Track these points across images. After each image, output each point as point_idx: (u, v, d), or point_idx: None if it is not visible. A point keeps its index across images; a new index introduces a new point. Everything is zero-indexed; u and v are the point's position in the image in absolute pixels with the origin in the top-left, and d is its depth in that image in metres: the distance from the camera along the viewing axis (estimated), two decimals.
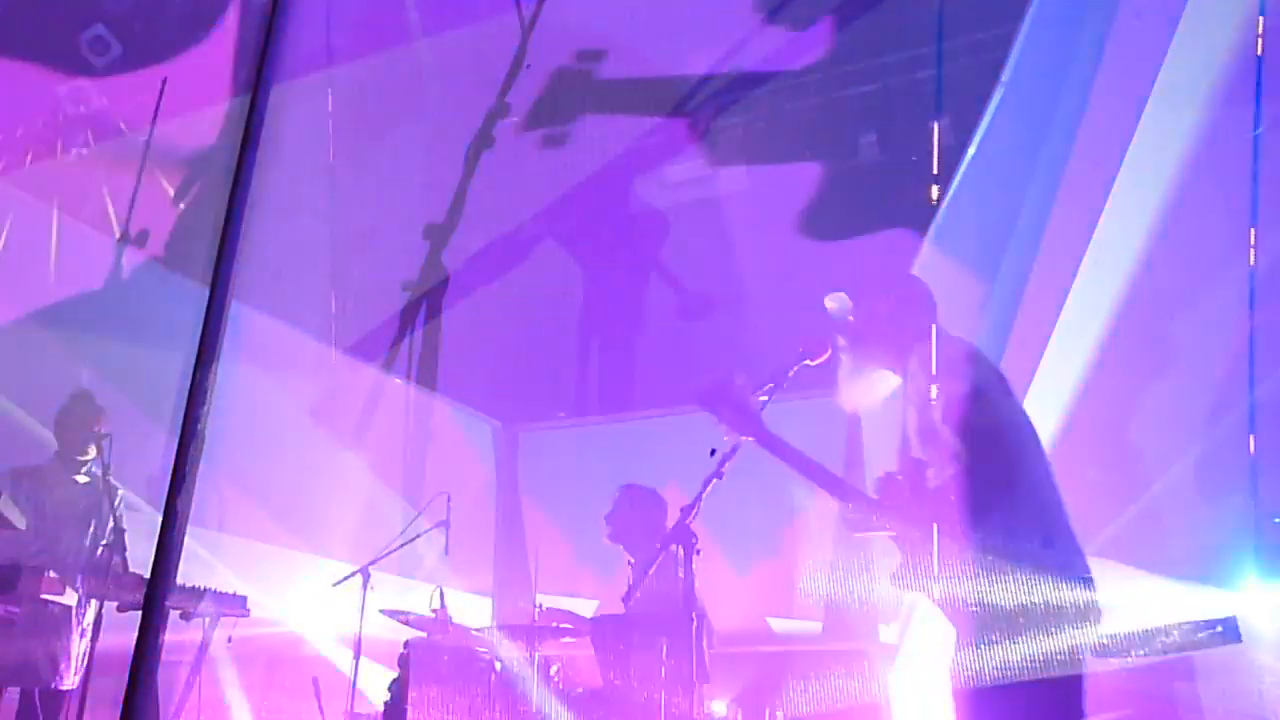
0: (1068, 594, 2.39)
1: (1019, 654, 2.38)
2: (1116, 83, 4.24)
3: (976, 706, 2.51)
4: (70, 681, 4.27)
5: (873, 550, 6.04)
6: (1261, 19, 3.63)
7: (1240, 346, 3.63)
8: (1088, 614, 2.42)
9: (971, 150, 5.01)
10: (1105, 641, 3.29)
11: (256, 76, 2.24)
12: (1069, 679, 2.39)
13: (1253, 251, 3.59)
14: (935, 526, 2.58)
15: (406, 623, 5.06)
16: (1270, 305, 3.58)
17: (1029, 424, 2.61)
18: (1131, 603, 3.28)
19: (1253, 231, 3.60)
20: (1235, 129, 3.72)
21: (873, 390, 2.86)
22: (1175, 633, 3.04)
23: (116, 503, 4.40)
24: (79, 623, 4.29)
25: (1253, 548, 3.37)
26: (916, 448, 2.69)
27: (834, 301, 2.91)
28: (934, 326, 2.82)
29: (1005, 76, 4.82)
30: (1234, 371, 3.60)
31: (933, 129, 5.23)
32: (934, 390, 2.61)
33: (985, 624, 2.48)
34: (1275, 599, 3.29)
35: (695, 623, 3.65)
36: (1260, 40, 3.62)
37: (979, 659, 2.52)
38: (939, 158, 5.18)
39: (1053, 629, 2.36)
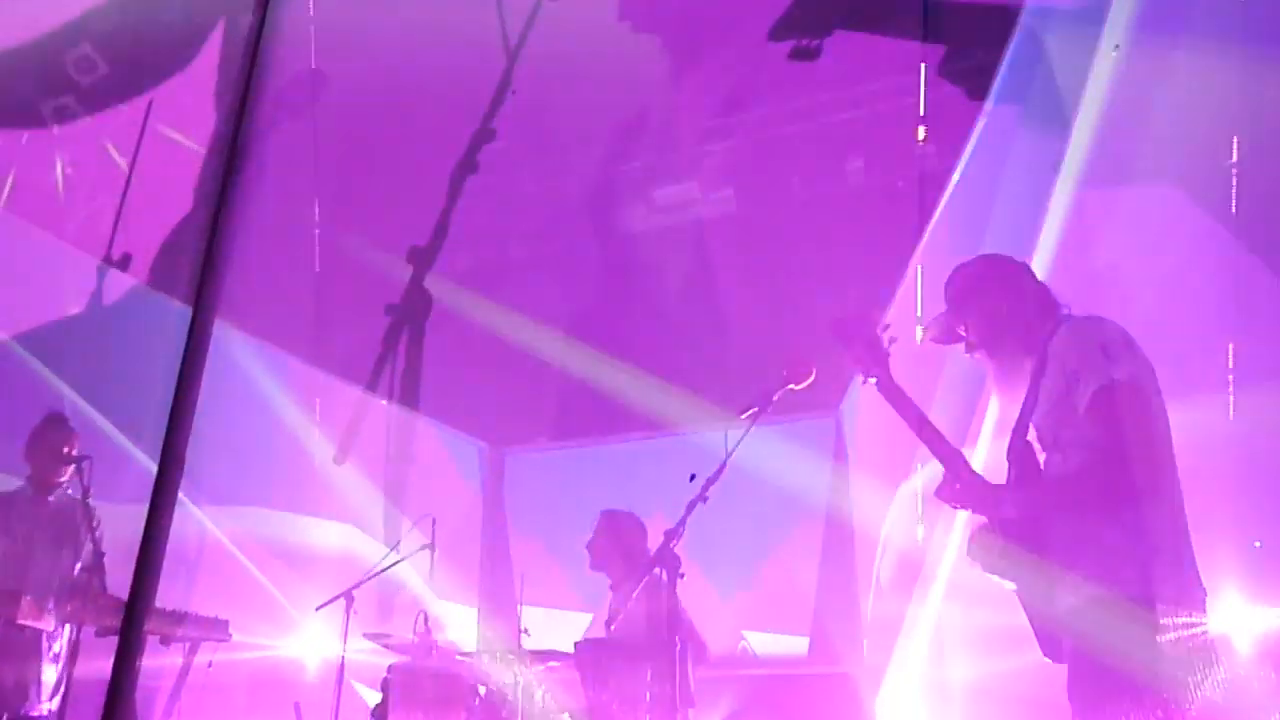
0: (1175, 602, 2.27)
1: (1110, 660, 2.26)
2: (1099, 108, 4.29)
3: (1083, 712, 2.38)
4: (42, 708, 4.22)
5: (857, 572, 6.03)
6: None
7: (1222, 371, 3.66)
8: (1192, 653, 2.28)
9: (956, 175, 5.06)
10: None
11: (241, 97, 2.25)
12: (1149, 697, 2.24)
13: (1235, 264, 3.64)
14: (1046, 516, 2.46)
15: (390, 646, 5.03)
16: (1252, 328, 3.62)
17: (1169, 430, 2.45)
18: None
19: (1233, 229, 3.64)
20: (1214, 154, 3.77)
21: (1019, 377, 2.65)
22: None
23: (96, 526, 4.35)
24: (51, 648, 4.25)
25: (1232, 570, 3.38)
26: (1043, 430, 2.53)
27: (935, 326, 2.76)
28: (1049, 298, 2.66)
29: (989, 104, 4.88)
30: (1216, 396, 3.63)
31: (918, 154, 5.28)
32: (1065, 371, 2.44)
33: (1076, 623, 2.38)
34: (1256, 622, 3.31)
35: (679, 646, 3.64)
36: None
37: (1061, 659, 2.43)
38: (924, 183, 5.22)
39: (1152, 634, 2.24)
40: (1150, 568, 2.29)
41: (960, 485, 2.54)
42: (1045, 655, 2.52)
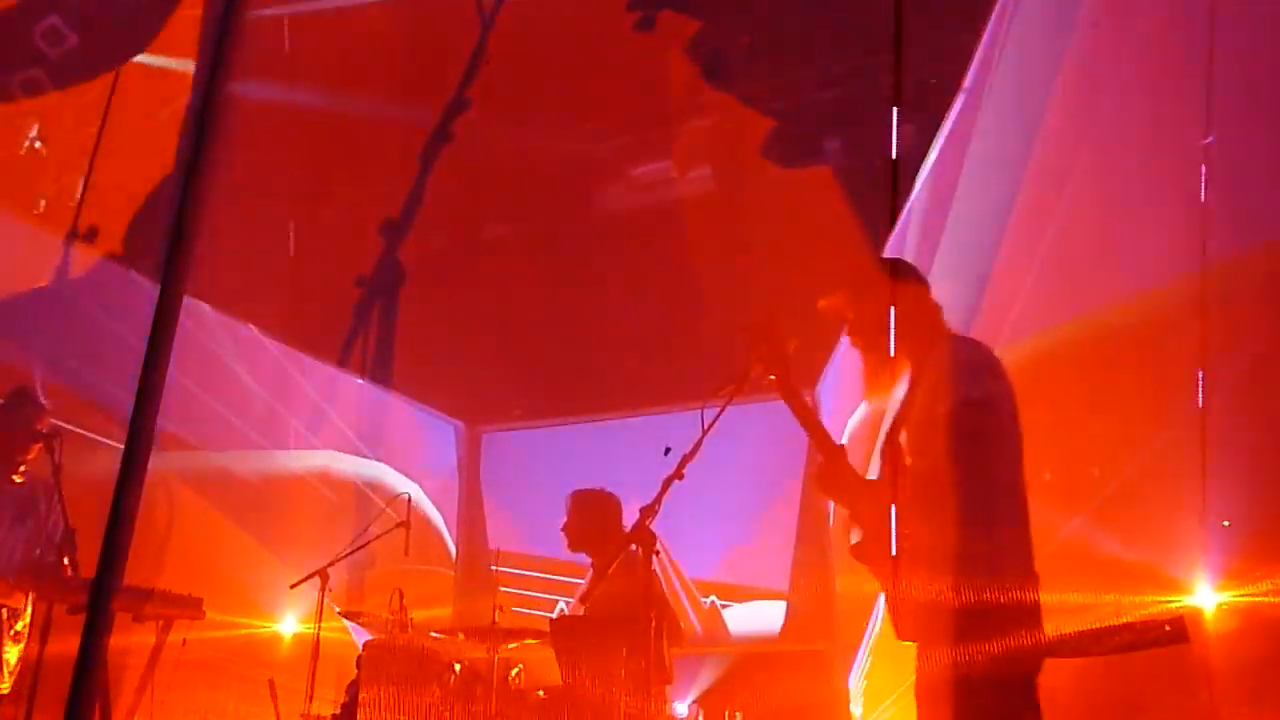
0: (1015, 602, 2.46)
1: (962, 650, 2.43)
2: (1075, 89, 4.30)
3: (927, 703, 2.55)
4: (4, 684, 4.18)
5: (832, 550, 6.06)
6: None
7: (1192, 350, 3.69)
8: (1030, 628, 2.49)
9: (932, 155, 5.06)
10: (1056, 640, 3.34)
11: (212, 69, 2.21)
12: (1012, 680, 2.45)
13: (1204, 251, 3.66)
14: (903, 512, 2.64)
15: (364, 624, 5.02)
16: (1223, 312, 3.65)
17: (1019, 433, 2.67)
18: (1080, 603, 3.33)
19: (1204, 237, 3.66)
20: (1188, 134, 3.79)
21: (895, 383, 2.88)
22: (1125, 632, 3.09)
23: (64, 503, 4.31)
24: (12, 627, 4.21)
25: (1200, 549, 3.43)
26: (912, 437, 2.72)
27: (830, 303, 2.94)
28: (939, 318, 2.87)
29: (966, 83, 4.87)
30: (1185, 375, 3.66)
31: (894, 134, 5.28)
32: (934, 387, 2.65)
33: (933, 617, 2.53)
34: (1223, 600, 3.36)
35: (654, 624, 3.64)
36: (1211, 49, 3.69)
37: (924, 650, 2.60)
38: (901, 162, 5.22)
39: (994, 632, 2.43)
40: (994, 564, 2.50)
41: (837, 478, 2.76)
42: (897, 635, 2.72)
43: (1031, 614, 2.50)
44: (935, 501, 2.57)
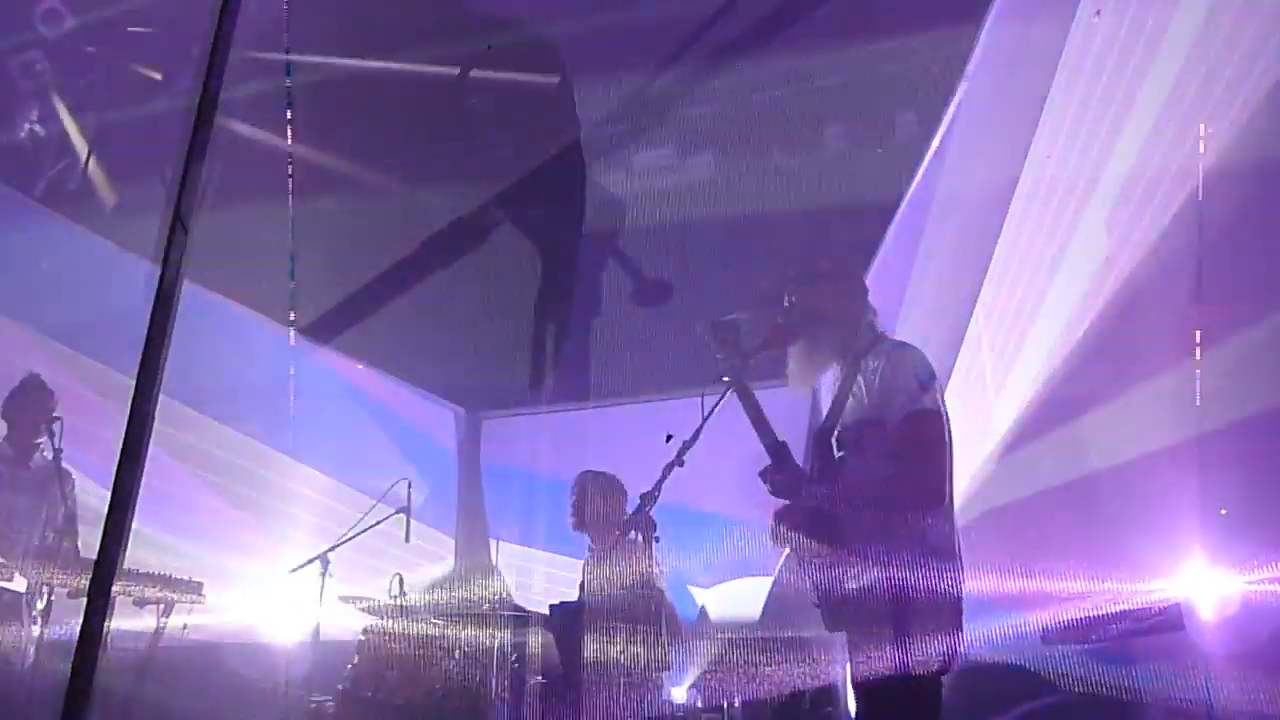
0: (937, 596, 2.57)
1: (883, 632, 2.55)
2: (1077, 77, 4.29)
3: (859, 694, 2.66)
4: (22, 669, 4.21)
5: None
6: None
7: (1188, 341, 3.69)
8: (950, 622, 2.58)
9: (935, 143, 5.05)
10: (1053, 628, 3.37)
11: (211, 50, 2.21)
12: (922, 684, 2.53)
13: (1200, 247, 3.67)
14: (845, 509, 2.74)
15: (365, 609, 5.04)
16: (1217, 301, 3.65)
17: (951, 437, 2.81)
18: (1078, 590, 3.34)
19: (1201, 231, 3.67)
20: (1187, 124, 3.78)
21: (818, 372, 3.04)
22: (1121, 619, 3.10)
23: (68, 488, 4.33)
24: (30, 610, 4.23)
25: (1197, 537, 3.44)
26: (847, 433, 2.83)
27: (769, 283, 3.06)
28: (874, 319, 3.00)
29: (969, 70, 4.86)
30: (1181, 364, 3.67)
31: (897, 122, 5.27)
32: (880, 390, 2.77)
33: (858, 614, 2.64)
34: (1218, 587, 3.37)
35: (654, 610, 3.66)
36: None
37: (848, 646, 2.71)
38: (903, 152, 5.21)
39: (915, 626, 2.54)
40: (932, 561, 2.61)
41: (782, 475, 2.83)
42: (826, 627, 2.84)
43: (953, 608, 2.59)
44: (897, 502, 2.68)
